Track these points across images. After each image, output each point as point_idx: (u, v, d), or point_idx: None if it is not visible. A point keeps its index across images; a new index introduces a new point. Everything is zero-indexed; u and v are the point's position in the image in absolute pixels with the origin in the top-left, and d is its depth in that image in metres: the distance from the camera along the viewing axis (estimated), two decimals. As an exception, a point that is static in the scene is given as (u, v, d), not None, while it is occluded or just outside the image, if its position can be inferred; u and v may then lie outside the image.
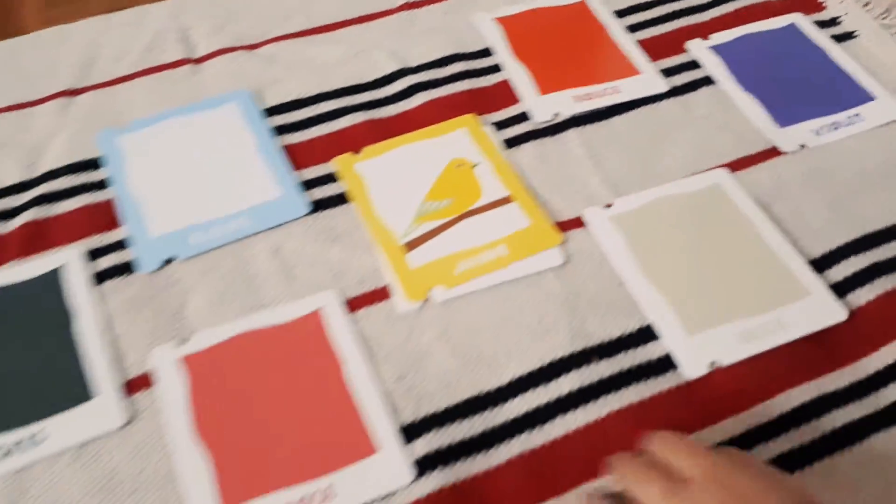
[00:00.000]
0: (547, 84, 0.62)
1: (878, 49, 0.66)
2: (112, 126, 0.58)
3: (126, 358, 0.47)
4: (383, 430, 0.44)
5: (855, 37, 0.67)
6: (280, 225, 0.53)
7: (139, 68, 0.62)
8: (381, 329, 0.49)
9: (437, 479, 0.43)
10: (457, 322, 0.49)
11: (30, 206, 0.53)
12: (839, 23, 0.68)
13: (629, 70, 0.63)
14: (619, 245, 0.53)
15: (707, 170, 0.57)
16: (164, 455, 0.43)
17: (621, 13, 0.68)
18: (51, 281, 0.49)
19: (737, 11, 0.69)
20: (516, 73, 0.63)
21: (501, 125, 0.60)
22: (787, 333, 0.48)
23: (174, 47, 0.64)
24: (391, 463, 0.43)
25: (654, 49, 0.65)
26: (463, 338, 0.48)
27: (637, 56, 0.64)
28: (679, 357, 0.48)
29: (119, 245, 0.52)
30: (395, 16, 0.68)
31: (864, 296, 0.50)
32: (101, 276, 0.50)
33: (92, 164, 0.56)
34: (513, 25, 0.66)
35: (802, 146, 0.59)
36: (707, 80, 0.63)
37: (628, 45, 0.65)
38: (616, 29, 0.66)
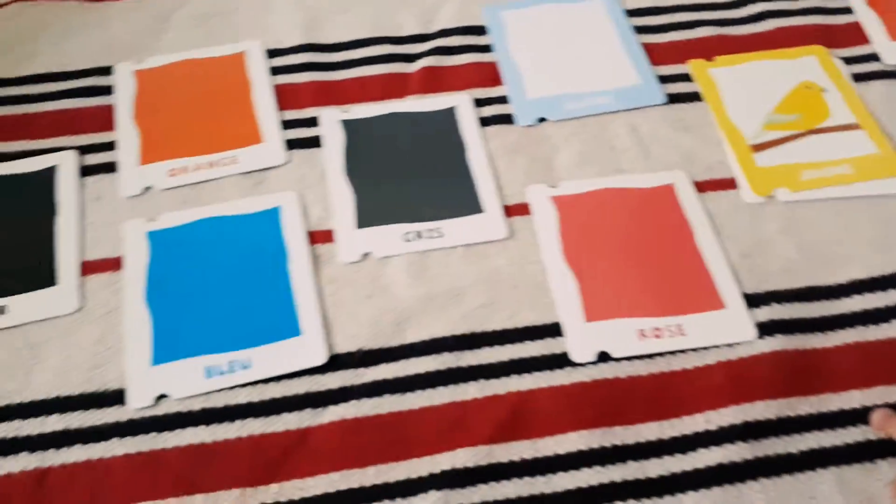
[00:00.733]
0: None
1: None
2: (492, 2, 0.66)
3: (505, 189, 0.55)
4: (729, 291, 0.50)
5: None
6: (638, 108, 0.59)
7: (513, -40, 0.70)
8: (726, 212, 0.54)
9: (778, 343, 0.48)
10: (799, 221, 0.53)
11: (428, 55, 0.62)
12: None
13: None
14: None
15: None
16: (539, 268, 0.51)
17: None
18: (448, 116, 0.59)
19: None
20: (867, 16, 0.65)
21: (850, 61, 0.63)
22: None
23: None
24: (738, 319, 0.49)
25: None
26: (805, 236, 0.53)
27: None
28: None
29: (501, 99, 0.60)
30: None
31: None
32: (485, 122, 0.59)
33: (478, 30, 0.64)
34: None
35: None
36: None
37: None
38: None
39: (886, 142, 0.57)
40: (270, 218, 0.53)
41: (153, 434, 0.44)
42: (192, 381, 0.46)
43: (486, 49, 0.63)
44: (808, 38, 0.64)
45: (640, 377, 0.47)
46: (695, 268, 0.51)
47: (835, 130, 0.58)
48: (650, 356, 0.47)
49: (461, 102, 0.59)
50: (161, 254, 0.51)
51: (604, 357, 0.47)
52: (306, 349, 0.47)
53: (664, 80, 0.61)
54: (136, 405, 0.45)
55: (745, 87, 0.60)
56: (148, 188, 0.55)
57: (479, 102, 0.60)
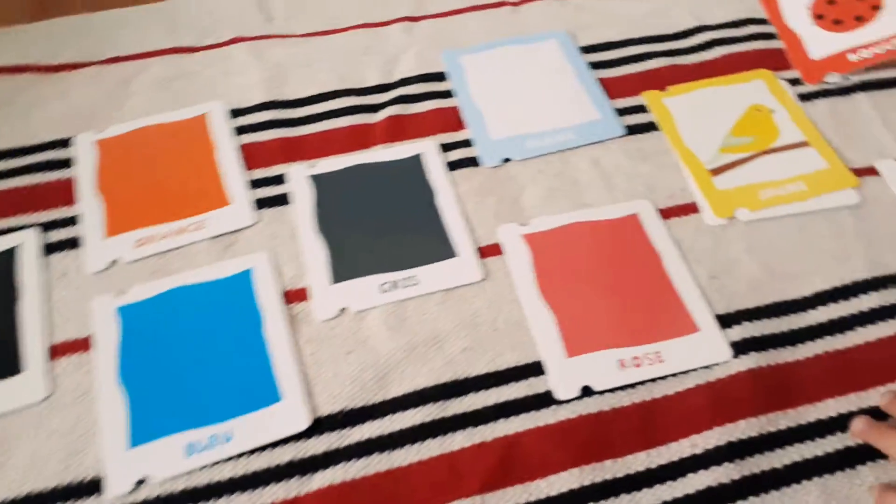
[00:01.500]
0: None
1: None
2: (450, 48, 0.68)
3: (476, 231, 0.56)
4: (701, 314, 0.51)
5: None
6: (599, 142, 0.61)
7: (467, 5, 0.72)
8: (691, 236, 0.55)
9: (752, 360, 0.49)
10: (761, 240, 0.55)
11: (391, 104, 0.63)
12: None
13: None
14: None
15: None
16: (517, 307, 0.52)
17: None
18: (415, 163, 0.59)
19: None
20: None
21: (795, 82, 0.65)
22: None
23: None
24: (713, 341, 0.50)
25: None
26: (768, 253, 0.54)
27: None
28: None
29: (465, 143, 0.61)
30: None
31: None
32: (452, 166, 0.60)
33: (439, 77, 0.66)
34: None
35: None
36: None
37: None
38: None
39: (835, 156, 0.59)
40: (242, 281, 0.53)
41: (135, 523, 0.43)
42: (172, 460, 0.45)
43: (447, 94, 0.64)
44: (755, 63, 0.67)
45: (623, 408, 0.47)
46: (666, 293, 0.52)
47: (787, 149, 0.60)
48: (632, 386, 0.48)
49: (427, 149, 0.60)
50: (132, 329, 0.50)
51: (587, 391, 0.48)
52: (288, 415, 0.46)
53: (621, 112, 0.63)
54: (115, 493, 0.44)
55: (698, 113, 0.63)
56: (115, 261, 0.54)
57: (445, 147, 0.61)
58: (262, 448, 0.46)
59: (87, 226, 0.56)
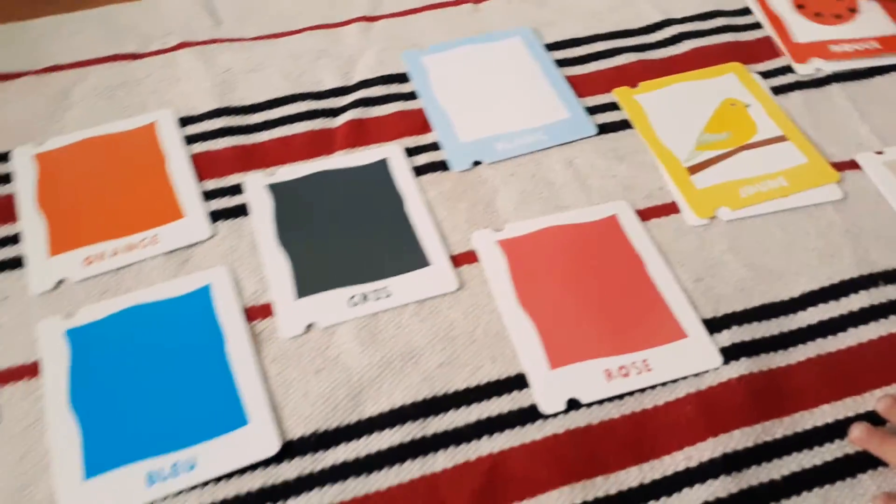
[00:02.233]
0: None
1: None
2: (410, 49, 0.65)
3: (449, 238, 0.53)
4: (688, 319, 0.49)
5: None
6: (572, 142, 0.58)
7: (426, 4, 0.69)
8: (673, 238, 0.53)
9: (744, 366, 0.47)
10: (745, 239, 0.53)
11: (351, 108, 0.60)
12: None
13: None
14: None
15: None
16: (496, 317, 0.49)
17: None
18: (381, 168, 0.56)
19: None
20: (772, 31, 0.67)
21: (767, 75, 0.64)
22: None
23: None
24: (702, 347, 0.47)
25: None
26: (753, 253, 0.52)
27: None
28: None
29: (432, 146, 0.58)
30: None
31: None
32: (419, 171, 0.57)
33: (400, 78, 0.63)
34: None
35: None
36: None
37: None
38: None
39: (814, 150, 0.58)
40: (201, 298, 0.49)
41: (91, 562, 0.39)
42: (132, 491, 0.41)
43: (410, 96, 0.61)
44: (725, 56, 0.65)
45: (612, 420, 0.45)
46: (651, 298, 0.50)
47: (764, 144, 0.58)
48: (620, 397, 0.46)
49: (392, 153, 0.57)
50: (83, 352, 0.46)
51: (573, 404, 0.45)
52: (256, 439, 0.43)
53: (592, 110, 0.61)
54: (70, 530, 0.40)
55: (672, 109, 0.61)
56: (61, 281, 0.50)
57: (411, 151, 0.58)
58: (230, 475, 0.42)
59: (28, 244, 0.51)
